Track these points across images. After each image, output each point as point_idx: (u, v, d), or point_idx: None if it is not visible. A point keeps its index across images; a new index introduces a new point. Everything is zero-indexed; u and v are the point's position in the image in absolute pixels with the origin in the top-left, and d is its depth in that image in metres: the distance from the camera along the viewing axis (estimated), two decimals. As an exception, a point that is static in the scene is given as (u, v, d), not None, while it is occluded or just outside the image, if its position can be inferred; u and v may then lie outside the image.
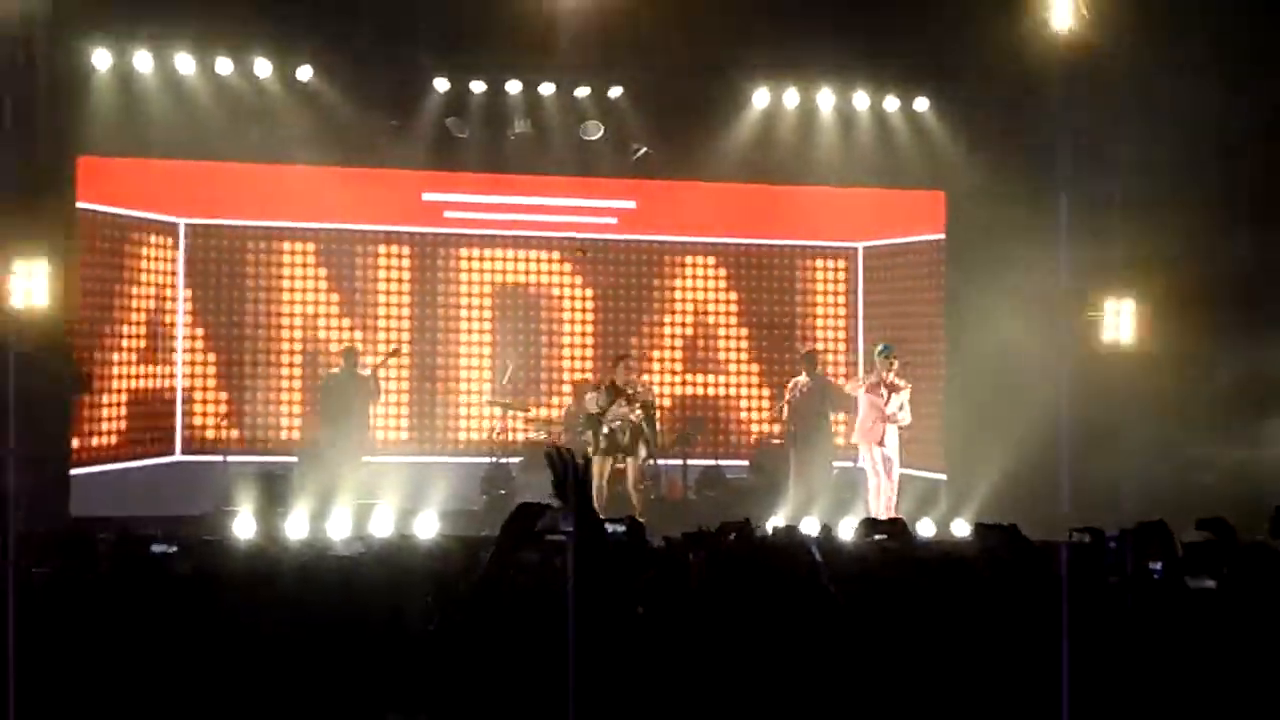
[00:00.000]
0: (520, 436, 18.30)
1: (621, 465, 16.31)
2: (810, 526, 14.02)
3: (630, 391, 16.42)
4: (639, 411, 16.31)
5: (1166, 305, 16.56)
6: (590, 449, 15.86)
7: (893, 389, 16.28)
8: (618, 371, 16.68)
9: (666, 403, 19.30)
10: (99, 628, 6.33)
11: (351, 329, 18.82)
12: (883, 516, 15.28)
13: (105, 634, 6.23)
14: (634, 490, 16.24)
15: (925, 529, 15.74)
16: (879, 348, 16.86)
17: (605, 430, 16.20)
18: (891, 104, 18.09)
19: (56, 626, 6.29)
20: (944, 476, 17.79)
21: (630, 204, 19.61)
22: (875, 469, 16.33)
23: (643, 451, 16.40)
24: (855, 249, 20.25)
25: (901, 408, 16.27)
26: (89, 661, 6.11)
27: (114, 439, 17.91)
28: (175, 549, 8.31)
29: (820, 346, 19.11)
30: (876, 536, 9.15)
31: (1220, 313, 16.21)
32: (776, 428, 18.45)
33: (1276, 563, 7.00)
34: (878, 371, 16.52)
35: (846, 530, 12.31)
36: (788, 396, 17.26)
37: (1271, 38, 15.57)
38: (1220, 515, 7.90)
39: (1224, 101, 15.54)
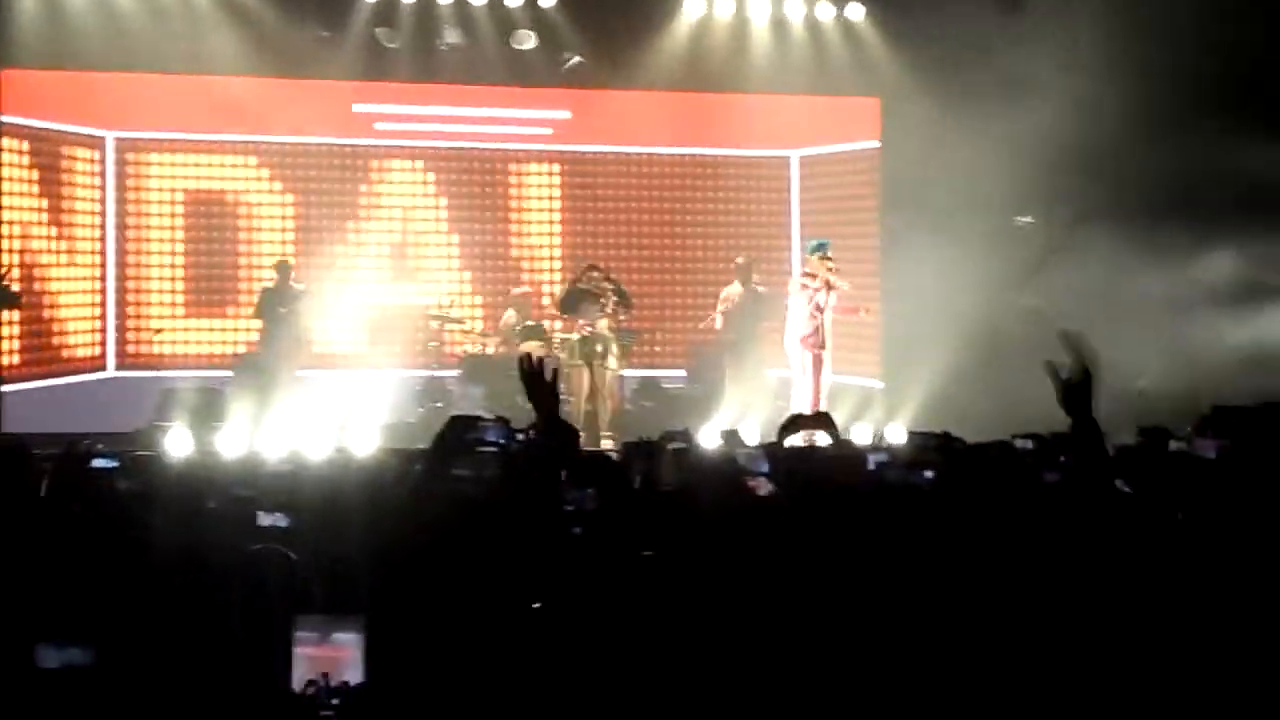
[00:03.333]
0: (459, 350, 18.22)
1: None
2: (749, 433, 14.05)
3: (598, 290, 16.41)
4: (611, 307, 16.31)
5: (1102, 209, 16.58)
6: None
7: (829, 286, 16.15)
8: (590, 277, 16.67)
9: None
10: (38, 548, 6.26)
11: (285, 242, 18.64)
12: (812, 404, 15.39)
13: (45, 555, 6.17)
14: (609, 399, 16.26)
15: (861, 434, 15.79)
16: (811, 244, 16.74)
17: (577, 337, 16.21)
18: (826, 11, 18.04)
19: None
20: (880, 384, 17.87)
21: (565, 114, 19.46)
22: (804, 371, 16.20)
23: (612, 361, 16.40)
24: (789, 157, 20.20)
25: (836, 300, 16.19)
26: (27, 584, 6.05)
27: (43, 355, 17.75)
28: (116, 464, 8.20)
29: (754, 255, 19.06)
30: (803, 435, 9.13)
31: (1154, 216, 16.26)
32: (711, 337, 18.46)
33: (1198, 468, 7.05)
34: (813, 270, 16.35)
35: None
36: (721, 306, 17.27)
37: None
38: (1158, 423, 7.94)
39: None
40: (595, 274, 16.78)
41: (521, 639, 5.33)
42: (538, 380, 5.92)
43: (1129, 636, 5.53)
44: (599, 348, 16.30)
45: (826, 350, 16.19)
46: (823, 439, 8.83)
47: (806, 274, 16.41)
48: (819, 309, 16.11)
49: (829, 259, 16.20)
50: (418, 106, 18.99)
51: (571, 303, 16.58)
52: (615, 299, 16.50)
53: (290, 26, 17.09)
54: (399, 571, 5.66)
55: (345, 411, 15.47)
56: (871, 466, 7.67)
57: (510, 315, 17.81)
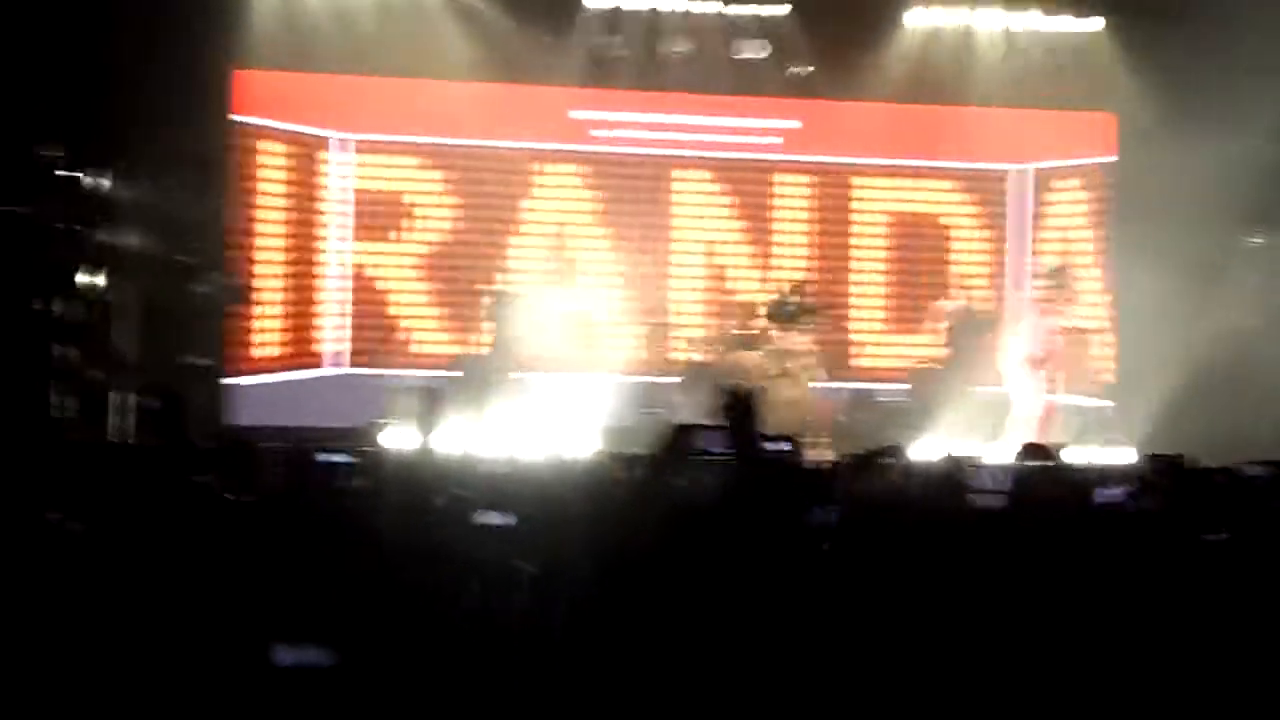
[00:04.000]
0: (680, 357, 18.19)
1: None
2: (964, 452, 13.81)
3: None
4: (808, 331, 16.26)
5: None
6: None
7: (1056, 313, 15.97)
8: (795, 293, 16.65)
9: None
10: (268, 541, 6.30)
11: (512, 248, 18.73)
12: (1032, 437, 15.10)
13: (274, 549, 6.20)
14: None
15: (1087, 456, 15.45)
16: (1051, 266, 16.54)
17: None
18: (1063, 23, 17.75)
19: (225, 541, 6.26)
20: (1109, 404, 17.52)
21: (795, 124, 19.30)
22: (1028, 394, 16.01)
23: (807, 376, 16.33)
24: (1011, 171, 19.85)
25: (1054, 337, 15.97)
26: (257, 576, 6.09)
27: (267, 352, 18.05)
28: (347, 459, 8.26)
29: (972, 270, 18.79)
30: (1035, 462, 8.96)
31: None
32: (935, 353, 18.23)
33: None
34: (1047, 292, 16.19)
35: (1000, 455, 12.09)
36: (942, 322, 17.15)
37: None
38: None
39: None
40: (800, 292, 16.79)
41: (755, 646, 5.27)
42: (741, 413, 5.89)
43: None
44: (803, 361, 16.20)
45: (1055, 371, 16.00)
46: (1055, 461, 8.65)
47: (1043, 296, 16.26)
48: (1051, 330, 15.95)
49: (1064, 281, 16.08)
50: (633, 114, 18.96)
51: (779, 315, 16.50)
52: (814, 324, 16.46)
53: (516, 31, 17.20)
54: (624, 574, 5.62)
55: (563, 414, 15.51)
56: (1098, 500, 7.50)
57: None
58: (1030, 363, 16.02)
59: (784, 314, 16.44)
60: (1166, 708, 5.41)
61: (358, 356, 18.56)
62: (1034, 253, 19.22)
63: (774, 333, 16.41)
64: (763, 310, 17.32)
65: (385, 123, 18.59)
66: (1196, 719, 5.39)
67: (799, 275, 18.33)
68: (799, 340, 16.26)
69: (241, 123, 17.34)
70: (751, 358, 16.08)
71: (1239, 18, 15.43)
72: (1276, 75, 15.56)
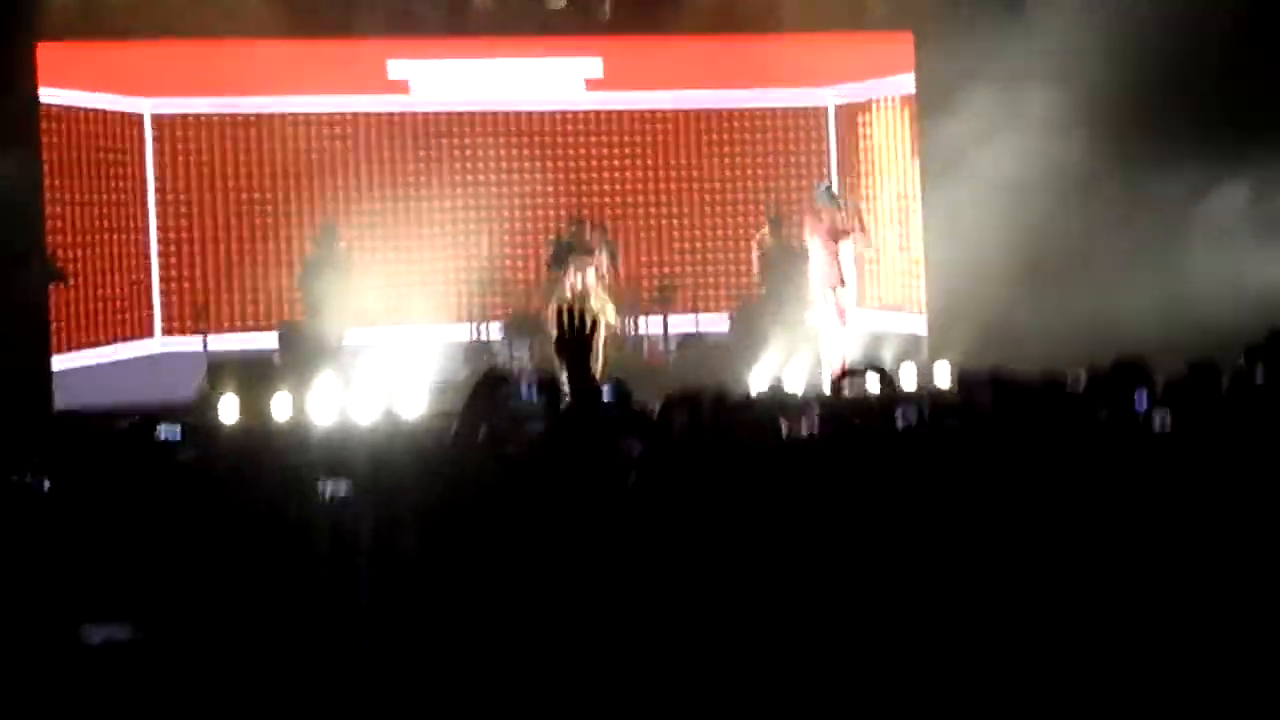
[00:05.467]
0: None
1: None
2: (792, 382, 14.06)
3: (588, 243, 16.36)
4: (604, 260, 16.22)
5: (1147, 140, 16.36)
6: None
7: (842, 233, 16.16)
8: (573, 232, 16.63)
9: (643, 266, 19.37)
10: (97, 524, 6.31)
11: (326, 208, 18.67)
12: (837, 365, 15.35)
13: (116, 530, 6.21)
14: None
15: (908, 375, 15.74)
16: (820, 188, 16.72)
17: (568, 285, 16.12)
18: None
19: (51, 525, 6.27)
20: (924, 321, 17.82)
21: (597, 61, 19.41)
22: (830, 318, 16.20)
23: (611, 310, 16.32)
24: (825, 106, 20.13)
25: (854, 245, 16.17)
26: (82, 560, 6.10)
27: (90, 332, 17.86)
28: (179, 435, 8.20)
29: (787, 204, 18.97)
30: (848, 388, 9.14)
31: (1214, 147, 16.06)
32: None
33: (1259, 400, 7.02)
34: (826, 214, 16.34)
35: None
36: (756, 258, 17.38)
37: None
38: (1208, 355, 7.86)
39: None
40: (582, 227, 16.77)
41: (572, 591, 5.38)
42: (577, 341, 5.92)
43: (1166, 579, 5.53)
44: (593, 303, 16.16)
45: (849, 289, 16.19)
46: (874, 384, 8.84)
47: (815, 217, 16.42)
48: (833, 251, 16.11)
49: (836, 199, 16.26)
50: (451, 60, 18.96)
51: (560, 257, 16.50)
52: (606, 254, 16.45)
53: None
54: (448, 530, 5.69)
55: (392, 375, 15.51)
56: (905, 420, 7.64)
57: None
58: (825, 286, 16.21)
59: (560, 255, 16.43)
60: (976, 630, 5.54)
61: (183, 329, 18.43)
62: (841, 180, 19.56)
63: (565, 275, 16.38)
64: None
65: (193, 89, 18.42)
66: (1008, 642, 5.53)
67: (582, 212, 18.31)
68: (586, 280, 16.23)
69: (48, 100, 17.06)
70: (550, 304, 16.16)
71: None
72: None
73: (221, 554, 6.33)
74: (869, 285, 18.35)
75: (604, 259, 16.67)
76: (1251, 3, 16.02)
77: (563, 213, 18.94)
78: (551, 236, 17.79)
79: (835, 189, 16.63)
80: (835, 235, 16.17)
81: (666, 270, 19.59)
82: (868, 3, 17.94)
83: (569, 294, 16.05)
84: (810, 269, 16.37)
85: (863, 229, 16.43)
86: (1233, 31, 16.04)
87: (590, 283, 16.20)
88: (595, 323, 6.16)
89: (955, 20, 16.98)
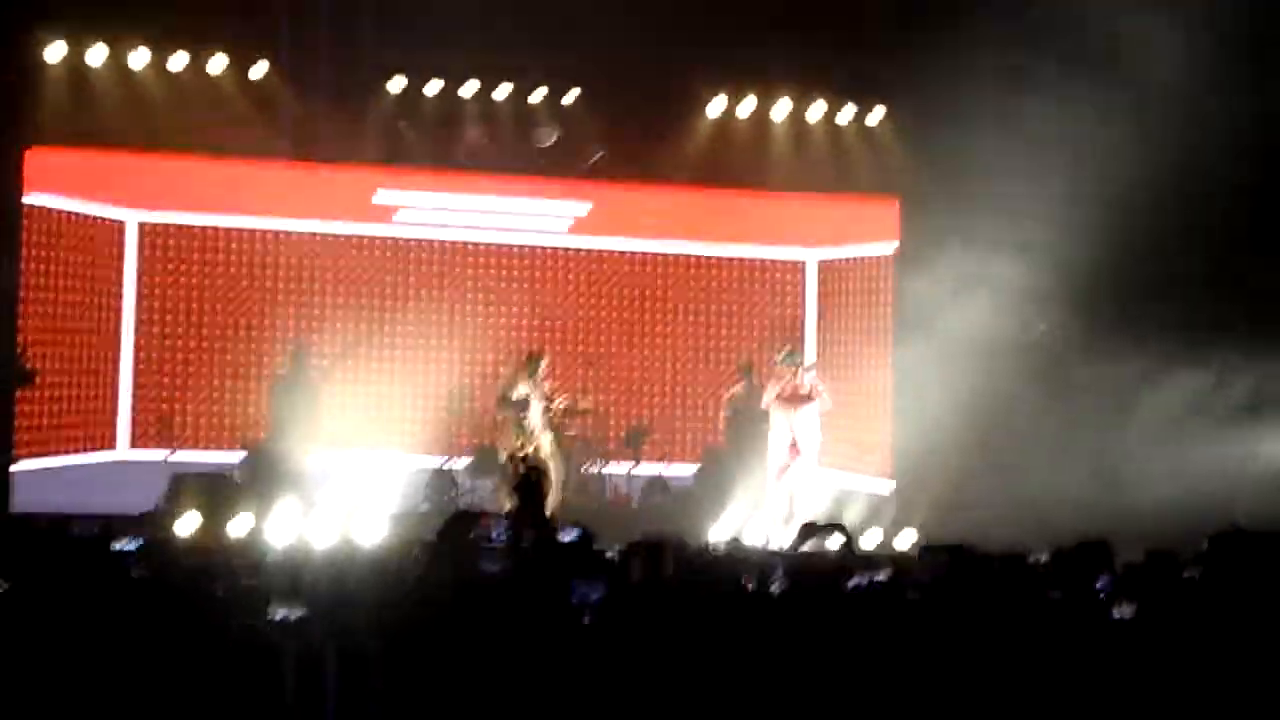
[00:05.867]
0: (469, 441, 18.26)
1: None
2: (755, 534, 14.05)
3: (547, 394, 16.26)
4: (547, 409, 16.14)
5: (1118, 323, 16.55)
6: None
7: (803, 399, 16.23)
8: (525, 368, 16.46)
9: (614, 408, 19.41)
10: (47, 630, 6.25)
11: (302, 329, 18.70)
12: (795, 522, 15.32)
13: (69, 638, 6.15)
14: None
15: (871, 539, 15.75)
16: (781, 354, 16.79)
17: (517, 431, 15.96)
18: (847, 113, 18.17)
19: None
20: (891, 486, 17.85)
21: (585, 207, 19.58)
22: (789, 478, 16.24)
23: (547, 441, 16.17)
24: (806, 260, 20.32)
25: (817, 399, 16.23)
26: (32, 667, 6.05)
27: (55, 435, 17.80)
28: (136, 547, 8.17)
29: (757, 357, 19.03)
30: (811, 545, 9.13)
31: (1176, 331, 16.26)
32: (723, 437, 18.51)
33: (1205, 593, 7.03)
34: (786, 380, 16.42)
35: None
36: (725, 409, 17.44)
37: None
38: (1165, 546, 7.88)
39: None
40: (537, 365, 16.57)
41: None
42: (527, 488, 6.00)
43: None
44: (541, 443, 15.99)
45: (804, 456, 16.23)
46: (835, 543, 8.83)
47: (775, 381, 16.49)
48: (791, 416, 16.17)
49: (797, 366, 16.34)
50: (438, 194, 19.11)
51: (507, 400, 16.31)
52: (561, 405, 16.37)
53: (314, 113, 17.16)
54: (410, 655, 5.69)
55: (353, 500, 15.45)
56: (860, 584, 7.67)
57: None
58: (783, 450, 16.27)
59: (506, 400, 16.33)
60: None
61: (149, 440, 18.39)
62: (818, 341, 19.72)
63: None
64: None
65: (179, 202, 18.53)
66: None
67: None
68: (535, 419, 16.15)
69: (33, 204, 17.12)
70: (506, 439, 16.06)
71: (1010, 102, 15.94)
72: (1051, 153, 16.04)
73: (169, 670, 6.29)
74: (836, 444, 18.35)
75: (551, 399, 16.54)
76: (1230, 193, 16.24)
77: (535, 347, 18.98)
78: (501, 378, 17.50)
79: (796, 353, 16.72)
80: (794, 400, 16.26)
81: (637, 415, 19.63)
82: (855, 168, 18.14)
83: (517, 438, 15.94)
84: (770, 431, 16.45)
85: (819, 393, 16.44)
86: (1206, 221, 16.29)
87: (537, 423, 16.03)
88: (545, 469, 6.25)
89: (938, 191, 17.18)
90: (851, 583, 7.23)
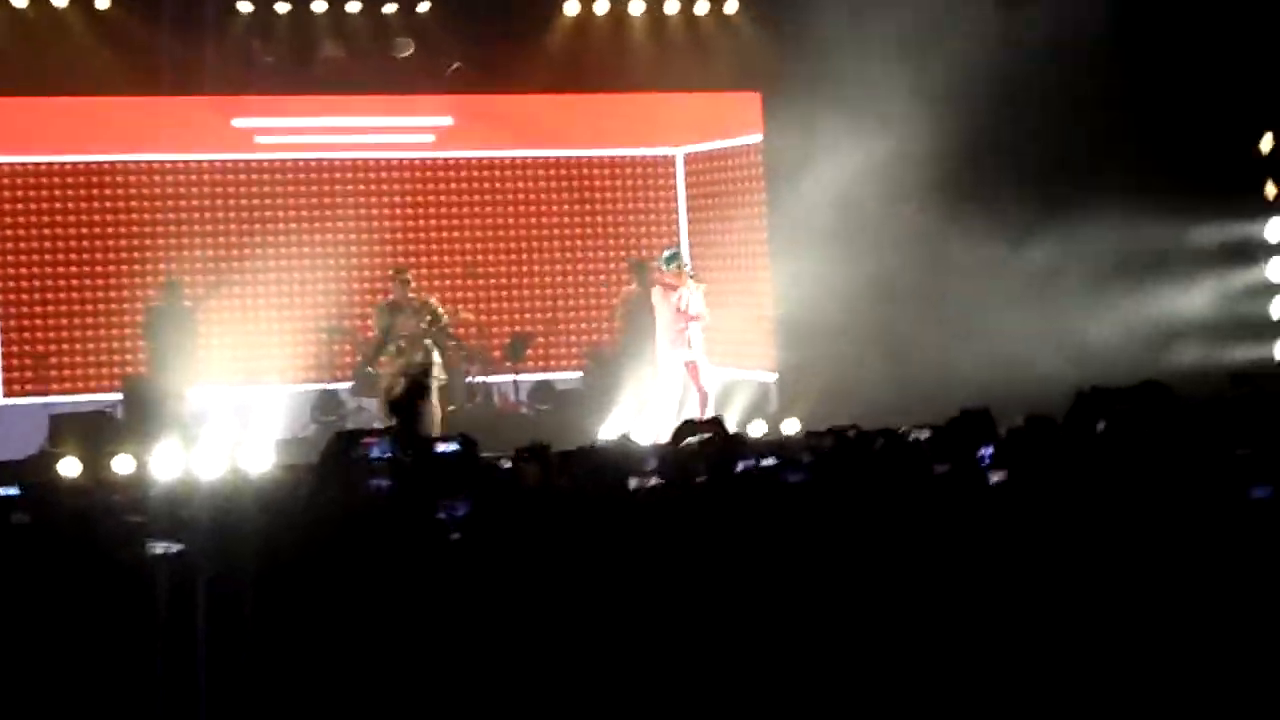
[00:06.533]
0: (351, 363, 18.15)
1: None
2: (645, 433, 14.09)
3: (414, 304, 16.13)
4: (426, 322, 15.98)
5: (989, 198, 16.69)
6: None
7: (689, 292, 16.26)
8: (394, 287, 16.36)
9: (496, 317, 19.39)
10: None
11: (172, 262, 18.44)
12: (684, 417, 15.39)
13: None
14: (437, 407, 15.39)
15: (756, 429, 15.87)
16: (664, 255, 16.81)
17: (393, 348, 15.82)
18: (702, 7, 18.11)
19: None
20: (774, 377, 17.96)
21: (447, 120, 19.43)
22: (679, 375, 16.29)
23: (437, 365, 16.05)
24: (675, 155, 20.29)
25: (699, 311, 16.26)
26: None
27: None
28: (15, 492, 8.09)
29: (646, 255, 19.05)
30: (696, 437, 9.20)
31: (1047, 199, 16.47)
32: (608, 338, 18.54)
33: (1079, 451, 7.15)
34: (671, 279, 16.44)
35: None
36: (619, 307, 17.43)
37: None
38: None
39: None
40: (404, 283, 16.43)
41: (405, 643, 5.38)
42: (406, 403, 5.99)
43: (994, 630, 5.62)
44: (418, 358, 15.82)
45: (697, 354, 16.28)
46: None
47: (666, 283, 16.50)
48: (683, 315, 16.20)
49: (680, 267, 16.36)
50: (299, 118, 18.89)
51: (384, 323, 16.17)
52: (429, 319, 16.19)
53: (164, 42, 16.85)
54: (286, 583, 5.67)
55: (238, 430, 15.36)
56: (743, 465, 7.74)
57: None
58: (672, 348, 16.30)
59: (381, 318, 16.21)
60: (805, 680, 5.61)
61: (19, 385, 18.14)
62: (690, 235, 19.74)
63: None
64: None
65: (31, 143, 18.18)
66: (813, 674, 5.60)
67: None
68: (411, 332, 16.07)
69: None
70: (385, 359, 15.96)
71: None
72: (907, 48, 16.13)
73: (56, 611, 6.25)
74: (719, 342, 18.41)
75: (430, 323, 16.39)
76: (1068, 69, 16.40)
77: (415, 261, 18.90)
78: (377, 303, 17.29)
79: (678, 255, 16.71)
80: (680, 302, 16.27)
81: (519, 323, 19.58)
82: (715, 64, 18.09)
83: (394, 350, 15.78)
84: (658, 331, 16.45)
85: (702, 304, 16.45)
86: (1048, 95, 16.47)
87: (415, 336, 15.87)
88: (423, 384, 6.23)
89: (798, 81, 17.19)
90: (739, 467, 7.29)
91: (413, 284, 16.36)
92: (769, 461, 7.57)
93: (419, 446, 6.37)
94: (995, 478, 6.86)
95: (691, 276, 16.40)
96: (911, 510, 6.53)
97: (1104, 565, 5.68)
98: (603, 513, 6.34)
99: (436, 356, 15.69)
